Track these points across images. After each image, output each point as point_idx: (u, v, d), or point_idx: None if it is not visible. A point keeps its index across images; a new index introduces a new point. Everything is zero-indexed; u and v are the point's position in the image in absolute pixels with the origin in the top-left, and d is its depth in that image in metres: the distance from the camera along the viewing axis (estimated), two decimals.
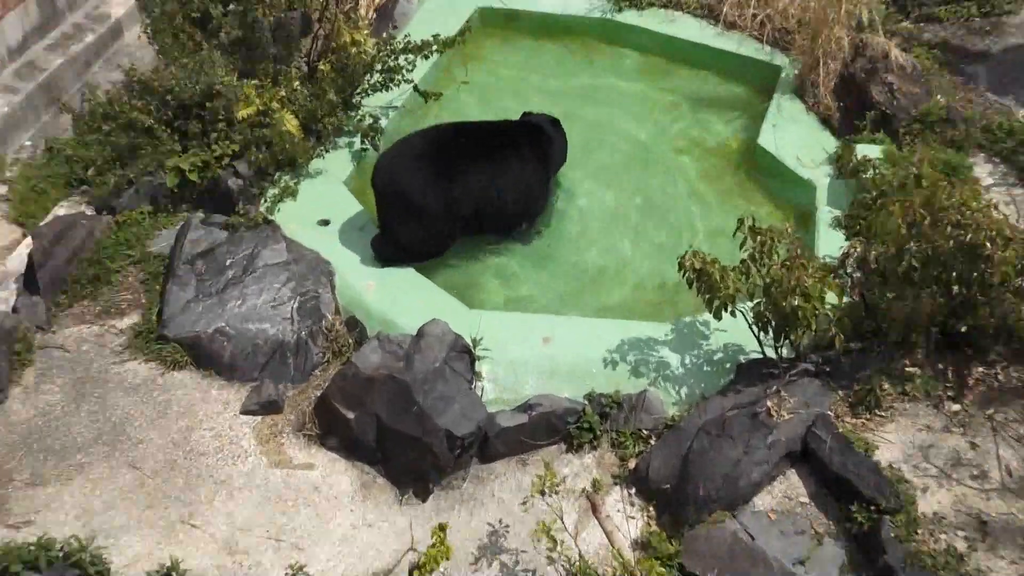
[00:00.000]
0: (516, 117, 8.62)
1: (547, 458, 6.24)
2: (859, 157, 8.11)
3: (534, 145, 8.12)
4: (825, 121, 9.11)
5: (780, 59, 9.99)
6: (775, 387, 6.12)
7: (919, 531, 5.34)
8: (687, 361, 6.71)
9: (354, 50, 8.83)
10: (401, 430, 6.07)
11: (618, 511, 5.99)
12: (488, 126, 8.23)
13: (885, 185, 7.50)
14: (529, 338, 6.86)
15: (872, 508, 5.41)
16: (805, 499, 5.70)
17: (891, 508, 5.37)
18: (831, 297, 6.26)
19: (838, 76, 9.18)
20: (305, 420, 6.43)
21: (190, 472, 6.06)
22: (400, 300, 7.12)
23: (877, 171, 7.86)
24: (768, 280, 6.07)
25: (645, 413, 6.40)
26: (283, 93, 8.37)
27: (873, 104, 8.81)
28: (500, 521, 5.96)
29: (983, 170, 8.14)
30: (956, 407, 5.97)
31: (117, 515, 5.78)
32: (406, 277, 7.35)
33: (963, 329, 5.97)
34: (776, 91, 9.54)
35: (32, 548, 5.19)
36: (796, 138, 8.90)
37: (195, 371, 6.70)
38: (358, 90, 9.02)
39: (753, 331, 6.34)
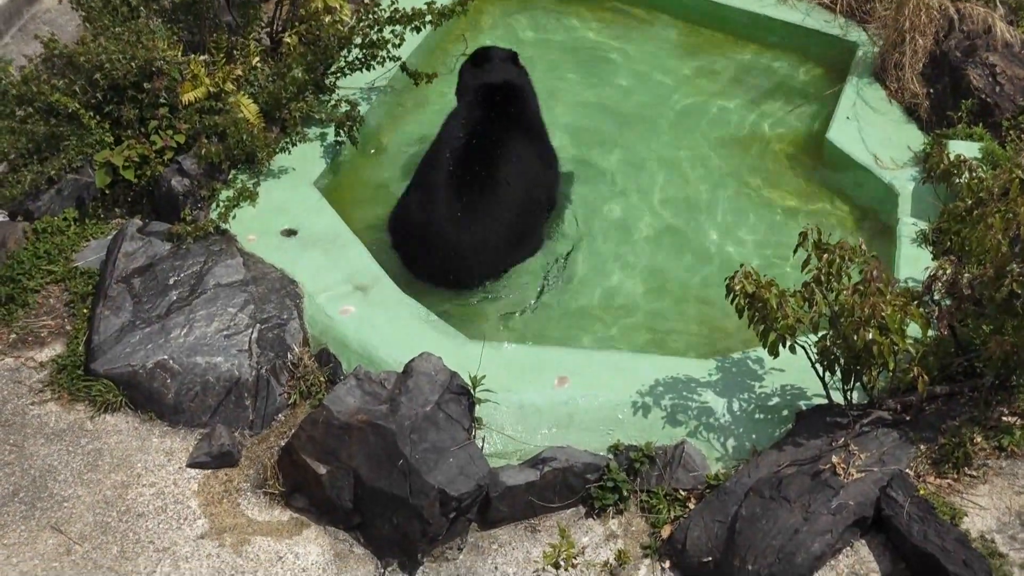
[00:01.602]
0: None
1: (562, 524, 6.45)
2: (952, 156, 8.23)
3: (509, 116, 8.55)
4: (910, 111, 9.39)
5: (856, 34, 10.31)
6: (843, 439, 6.36)
7: None
8: (735, 407, 6.91)
9: (328, 19, 9.03)
10: (384, 489, 6.26)
11: None
12: (454, 134, 8.51)
13: (983, 191, 7.60)
14: (541, 377, 7.04)
15: None
16: None
17: None
18: (914, 330, 6.42)
19: (928, 56, 9.40)
20: (266, 475, 6.67)
21: (126, 537, 6.33)
22: (383, 329, 7.32)
23: (974, 174, 7.96)
24: (836, 308, 6.21)
25: (683, 470, 6.62)
26: (239, 72, 8.64)
27: (971, 91, 9.05)
28: None
29: None
30: None
31: None
32: (391, 301, 7.56)
33: None
34: (850, 74, 9.83)
35: None
36: (874, 132, 9.18)
37: (131, 414, 6.99)
38: (332, 69, 9.25)
39: (817, 371, 6.51)
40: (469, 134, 8.32)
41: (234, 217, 8.09)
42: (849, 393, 6.55)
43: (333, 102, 9.04)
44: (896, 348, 6.08)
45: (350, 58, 9.24)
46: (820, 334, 6.40)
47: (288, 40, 9.03)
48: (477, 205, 8.07)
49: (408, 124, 9.73)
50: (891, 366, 6.13)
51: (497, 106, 8.53)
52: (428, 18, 9.20)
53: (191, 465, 6.74)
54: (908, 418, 6.52)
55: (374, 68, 9.27)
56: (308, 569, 6.27)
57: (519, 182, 8.28)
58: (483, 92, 8.69)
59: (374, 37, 9.15)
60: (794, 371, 6.93)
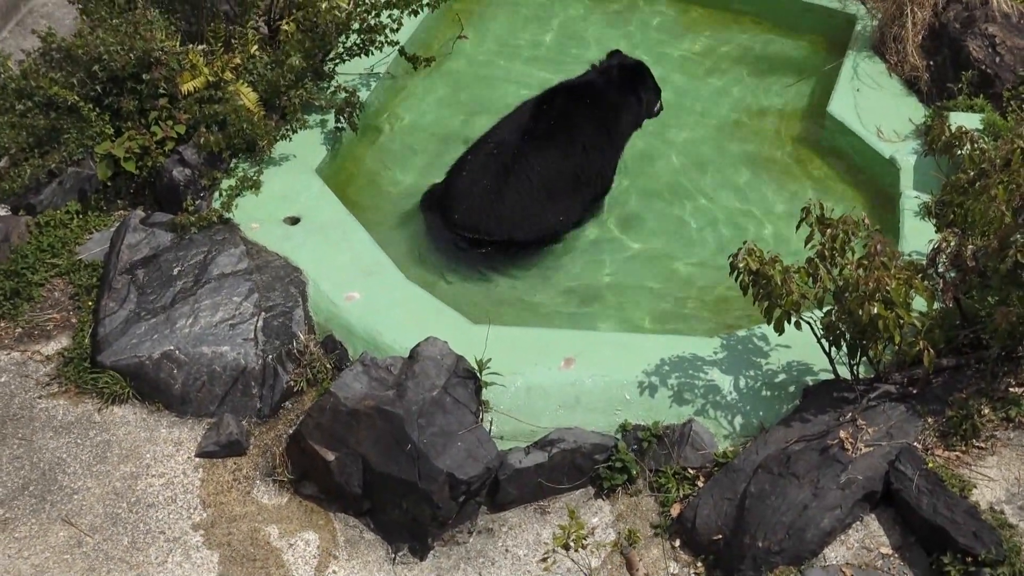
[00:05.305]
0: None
1: (571, 505, 6.48)
2: (953, 128, 8.17)
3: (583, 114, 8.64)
4: (911, 84, 9.39)
5: (854, 7, 10.32)
6: (850, 414, 6.37)
7: None
8: (742, 384, 6.93)
9: (325, 5, 9.01)
10: (392, 474, 6.29)
11: (659, 568, 6.25)
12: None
13: (985, 163, 7.61)
14: (548, 358, 7.04)
15: (969, 560, 5.62)
16: (887, 550, 5.96)
17: (992, 559, 5.58)
18: (919, 303, 6.44)
19: (927, 28, 9.42)
20: (275, 463, 6.70)
21: (137, 528, 6.35)
22: (389, 315, 7.32)
23: (975, 145, 7.93)
24: (841, 283, 6.21)
25: (691, 448, 6.63)
26: (238, 60, 8.63)
27: (970, 62, 9.05)
28: None
29: None
30: None
31: None
32: (396, 287, 7.56)
33: None
34: (850, 47, 9.84)
35: None
36: (875, 105, 9.18)
37: (139, 405, 7.00)
38: (331, 55, 9.25)
39: (823, 346, 6.53)
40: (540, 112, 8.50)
41: (236, 206, 8.09)
42: (855, 368, 6.56)
43: (332, 89, 9.05)
44: (901, 322, 6.09)
45: (348, 44, 9.22)
46: (825, 309, 6.40)
47: (286, 27, 9.03)
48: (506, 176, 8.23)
49: (408, 109, 9.73)
50: (897, 340, 6.14)
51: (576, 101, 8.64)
52: (425, 1, 9.19)
53: (200, 455, 6.76)
54: (915, 391, 6.53)
55: (372, 54, 9.25)
56: (319, 556, 6.29)
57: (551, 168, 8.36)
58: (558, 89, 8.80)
59: (372, 22, 9.12)
60: (800, 347, 6.93)
